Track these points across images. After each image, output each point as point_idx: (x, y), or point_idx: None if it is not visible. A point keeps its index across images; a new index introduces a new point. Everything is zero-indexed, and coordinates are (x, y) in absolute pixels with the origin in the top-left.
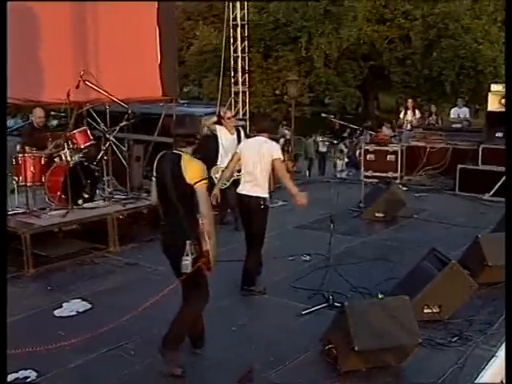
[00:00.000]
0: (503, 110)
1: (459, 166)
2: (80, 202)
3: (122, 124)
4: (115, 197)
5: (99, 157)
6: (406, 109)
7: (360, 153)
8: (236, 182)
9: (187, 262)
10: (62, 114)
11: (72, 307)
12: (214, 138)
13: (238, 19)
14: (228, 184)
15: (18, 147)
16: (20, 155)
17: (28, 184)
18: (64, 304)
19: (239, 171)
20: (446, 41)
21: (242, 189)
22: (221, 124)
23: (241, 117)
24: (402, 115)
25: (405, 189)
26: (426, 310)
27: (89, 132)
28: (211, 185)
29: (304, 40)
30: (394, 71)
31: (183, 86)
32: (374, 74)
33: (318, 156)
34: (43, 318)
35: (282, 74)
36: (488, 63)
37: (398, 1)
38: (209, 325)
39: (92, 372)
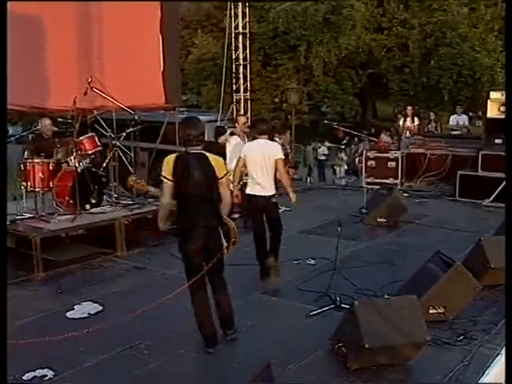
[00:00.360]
0: (502, 116)
1: (459, 172)
2: (87, 207)
3: (128, 130)
4: (122, 202)
5: (106, 163)
6: (406, 116)
7: (359, 160)
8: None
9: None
10: (69, 121)
11: (84, 309)
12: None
13: (240, 28)
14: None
15: (26, 153)
16: (28, 161)
17: (36, 189)
18: (75, 306)
19: (246, 174)
20: (443, 49)
21: (252, 190)
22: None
23: None
24: (401, 122)
25: (405, 195)
26: (431, 311)
27: (96, 138)
28: None
29: (303, 48)
30: (392, 79)
31: (182, 94)
32: (372, 82)
33: (318, 163)
34: (56, 319)
35: (281, 82)
36: (485, 71)
37: (395, 10)
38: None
39: (107, 371)
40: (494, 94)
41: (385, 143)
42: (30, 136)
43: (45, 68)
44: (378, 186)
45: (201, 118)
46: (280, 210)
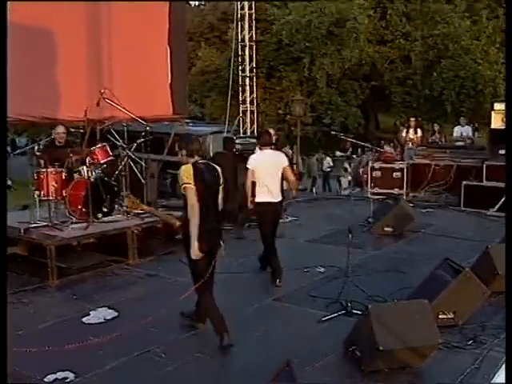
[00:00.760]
0: None
1: (464, 182)
2: (100, 215)
3: (139, 141)
4: (133, 211)
5: (117, 172)
6: (408, 127)
7: (363, 171)
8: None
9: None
10: (82, 131)
11: (99, 315)
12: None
13: (247, 40)
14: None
15: (41, 162)
16: (42, 170)
17: (49, 198)
18: (91, 312)
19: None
20: (445, 61)
21: (264, 198)
22: None
23: (249, 134)
24: (404, 134)
25: (411, 205)
26: (441, 316)
27: (108, 148)
28: None
29: (307, 60)
30: (394, 91)
31: None
32: (374, 94)
33: (323, 175)
34: (73, 324)
35: (285, 94)
36: (488, 83)
37: (398, 22)
38: (234, 331)
39: (127, 373)
40: (497, 106)
41: (390, 154)
42: (42, 145)
43: (56, 79)
44: (383, 196)
45: (206, 129)
46: (288, 220)
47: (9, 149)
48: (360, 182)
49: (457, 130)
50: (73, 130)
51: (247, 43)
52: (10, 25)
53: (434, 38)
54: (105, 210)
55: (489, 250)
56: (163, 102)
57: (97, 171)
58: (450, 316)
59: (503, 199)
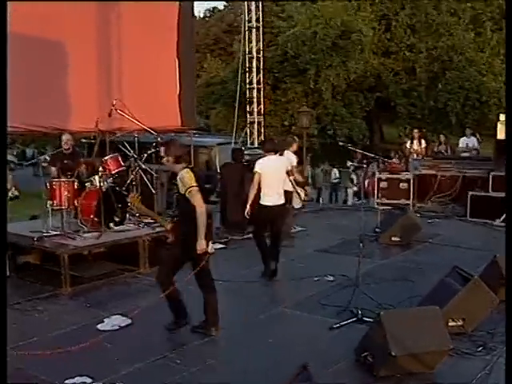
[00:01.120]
0: None
1: (470, 193)
2: (111, 225)
3: (150, 151)
4: (144, 221)
5: (128, 182)
6: (412, 139)
7: (369, 182)
8: None
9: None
10: (93, 141)
11: (113, 322)
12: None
13: (254, 52)
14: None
15: (54, 172)
16: (55, 180)
17: (62, 207)
18: (105, 319)
19: None
20: (450, 73)
21: (269, 201)
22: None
23: (256, 145)
24: (408, 145)
25: (417, 215)
26: (450, 323)
27: (120, 158)
28: None
29: (312, 72)
30: (399, 103)
31: None
32: (379, 105)
33: (330, 186)
34: (87, 331)
35: (290, 106)
36: (492, 94)
37: (403, 34)
38: (248, 337)
39: (143, 379)
40: (503, 117)
41: (397, 165)
42: (51, 154)
43: (67, 91)
44: (389, 207)
45: (212, 140)
46: (296, 230)
47: (15, 159)
48: (366, 192)
49: (462, 141)
50: (84, 140)
51: (254, 55)
52: (23, 37)
53: (438, 49)
54: (116, 219)
55: (497, 259)
56: (172, 113)
57: (108, 181)
58: (459, 323)
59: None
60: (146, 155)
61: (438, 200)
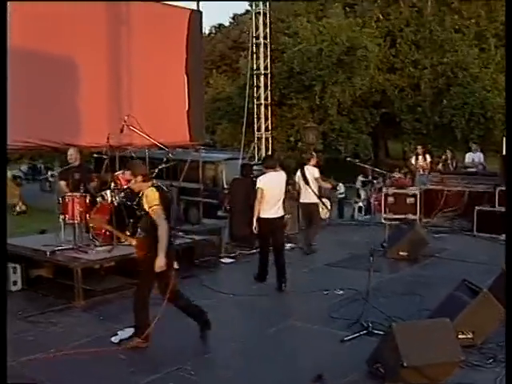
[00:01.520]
0: None
1: (477, 208)
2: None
3: (160, 167)
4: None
5: (139, 197)
6: (417, 155)
7: (375, 197)
8: None
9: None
10: (104, 157)
11: (126, 334)
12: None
13: (262, 68)
14: None
15: (63, 187)
16: (68, 195)
17: (74, 222)
18: (119, 332)
19: None
20: (455, 89)
21: (269, 213)
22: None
23: None
24: (413, 161)
25: (425, 230)
26: (460, 336)
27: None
28: None
29: (318, 88)
30: (404, 118)
31: None
32: (384, 121)
33: (338, 201)
34: (101, 343)
35: (296, 122)
36: (497, 110)
37: (407, 50)
38: (260, 350)
39: None
40: None
41: (404, 180)
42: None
43: (77, 106)
44: (396, 222)
45: (220, 155)
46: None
47: (22, 175)
48: (372, 208)
49: (468, 157)
50: (96, 155)
51: (262, 71)
52: (36, 53)
53: (443, 65)
54: (128, 233)
55: (505, 272)
56: (180, 128)
57: (120, 196)
58: (469, 336)
59: None
60: (156, 170)
61: (444, 215)
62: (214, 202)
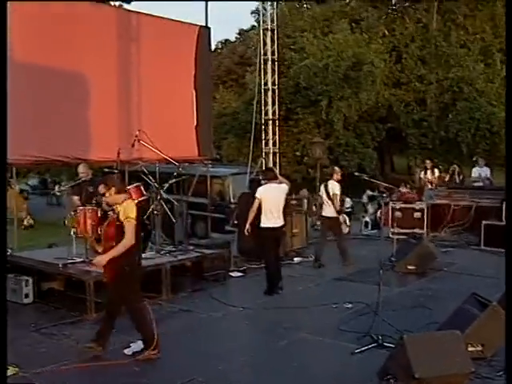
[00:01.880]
0: None
1: (484, 222)
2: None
3: (171, 181)
4: (165, 249)
5: (149, 211)
6: (426, 169)
7: (382, 212)
8: None
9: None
10: (115, 171)
11: (139, 347)
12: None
13: (270, 83)
14: None
15: (76, 201)
16: (80, 208)
17: (86, 235)
18: (131, 344)
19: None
20: (460, 103)
21: (269, 223)
22: None
23: None
24: (421, 175)
25: (433, 244)
26: (470, 348)
27: (142, 188)
28: None
29: (324, 103)
30: (410, 133)
31: None
32: (390, 136)
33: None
34: (114, 355)
35: (302, 136)
36: (503, 125)
37: (413, 66)
38: (270, 363)
39: None
40: None
41: (410, 194)
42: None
43: (88, 121)
44: (404, 236)
45: (225, 170)
46: (312, 258)
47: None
48: (378, 222)
49: (475, 171)
50: (107, 169)
51: (270, 87)
52: (48, 69)
53: (448, 80)
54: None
55: None
56: (189, 143)
57: None
58: (478, 348)
59: None
60: (167, 185)
61: (451, 229)
62: (221, 217)
